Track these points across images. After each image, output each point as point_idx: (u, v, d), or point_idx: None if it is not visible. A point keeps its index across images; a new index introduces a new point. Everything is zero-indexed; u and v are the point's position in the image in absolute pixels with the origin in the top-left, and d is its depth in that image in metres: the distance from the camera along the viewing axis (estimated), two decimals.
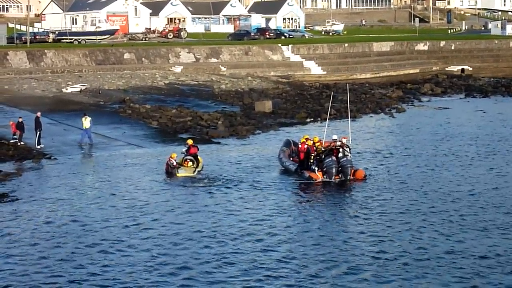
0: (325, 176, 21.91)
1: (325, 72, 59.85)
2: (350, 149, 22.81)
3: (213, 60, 59.01)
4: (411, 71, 63.55)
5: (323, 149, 22.39)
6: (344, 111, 41.73)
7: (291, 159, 24.24)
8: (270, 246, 15.66)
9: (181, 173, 23.10)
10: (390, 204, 19.47)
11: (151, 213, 18.68)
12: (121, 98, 41.90)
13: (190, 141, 25.01)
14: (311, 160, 22.35)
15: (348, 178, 21.95)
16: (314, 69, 60.11)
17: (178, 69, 54.92)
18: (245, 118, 38.56)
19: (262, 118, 38.88)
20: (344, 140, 22.52)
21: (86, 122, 29.73)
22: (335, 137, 23.00)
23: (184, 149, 24.61)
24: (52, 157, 26.67)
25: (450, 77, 62.26)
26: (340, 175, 21.93)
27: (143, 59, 56.22)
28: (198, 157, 25.14)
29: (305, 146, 23.21)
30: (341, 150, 22.30)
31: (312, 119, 39.82)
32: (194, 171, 23.40)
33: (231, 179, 22.78)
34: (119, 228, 17.29)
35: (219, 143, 31.39)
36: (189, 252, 15.23)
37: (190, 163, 23.79)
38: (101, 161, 26.23)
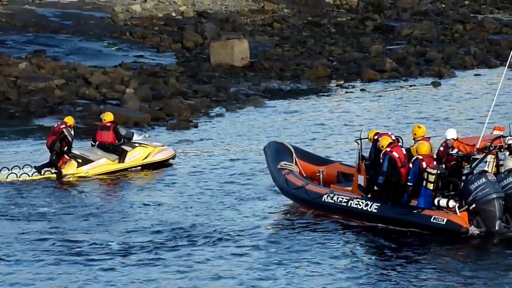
0: (473, 221, 21.93)
1: None
2: None
3: None
4: None
5: (470, 156, 22.28)
6: (416, 62, 42.26)
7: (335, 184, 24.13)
8: None
9: (11, 177, 25.79)
10: None
11: None
12: None
13: (108, 116, 27.68)
14: (432, 182, 22.01)
15: None
16: None
17: None
18: (188, 80, 38.94)
19: (226, 81, 39.33)
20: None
21: None
22: (452, 133, 22.84)
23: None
24: None
25: None
26: (503, 218, 22.06)
27: None
28: (134, 147, 27.20)
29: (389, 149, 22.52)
30: (490, 157, 22.43)
31: (342, 82, 40.31)
32: (39, 172, 25.93)
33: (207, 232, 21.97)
34: None
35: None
36: None
37: (73, 162, 26.31)
38: None
